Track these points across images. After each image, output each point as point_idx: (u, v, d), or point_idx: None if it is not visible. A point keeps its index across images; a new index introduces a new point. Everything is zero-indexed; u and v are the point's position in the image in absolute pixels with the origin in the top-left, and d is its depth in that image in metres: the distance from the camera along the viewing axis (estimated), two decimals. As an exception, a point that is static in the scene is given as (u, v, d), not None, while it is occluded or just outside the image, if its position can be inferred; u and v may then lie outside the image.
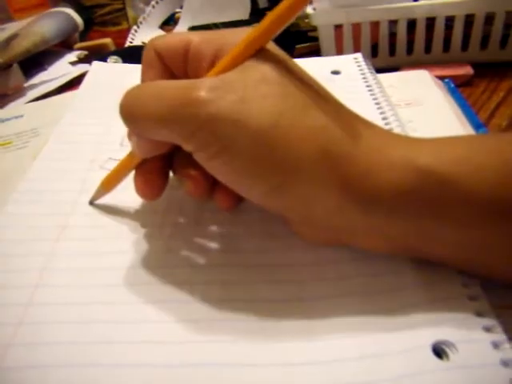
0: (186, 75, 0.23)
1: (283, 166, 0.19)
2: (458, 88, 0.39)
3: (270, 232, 0.24)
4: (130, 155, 0.24)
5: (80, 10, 0.55)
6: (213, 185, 0.23)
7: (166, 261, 0.23)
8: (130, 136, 0.22)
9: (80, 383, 0.18)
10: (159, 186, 0.24)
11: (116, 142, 0.31)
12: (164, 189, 0.24)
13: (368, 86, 0.36)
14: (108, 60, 0.45)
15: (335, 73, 0.38)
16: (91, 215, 0.26)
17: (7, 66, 0.44)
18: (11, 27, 0.51)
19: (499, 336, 0.19)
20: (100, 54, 0.48)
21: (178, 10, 0.62)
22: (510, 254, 0.19)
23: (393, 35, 0.43)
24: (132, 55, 0.45)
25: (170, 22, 0.62)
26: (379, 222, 0.20)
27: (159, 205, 0.26)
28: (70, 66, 0.49)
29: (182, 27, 0.57)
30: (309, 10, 0.44)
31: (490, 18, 0.41)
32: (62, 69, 0.49)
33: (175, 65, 0.23)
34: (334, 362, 0.19)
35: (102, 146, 0.31)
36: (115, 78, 0.39)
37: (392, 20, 0.42)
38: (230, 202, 0.23)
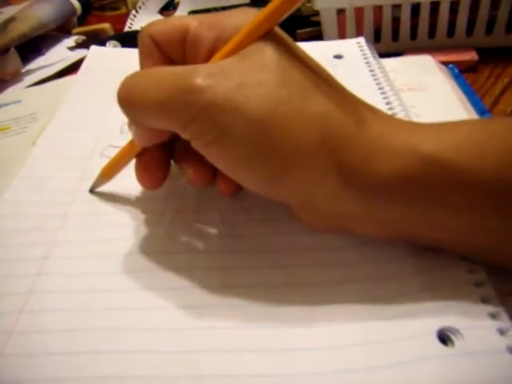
0: (184, 62, 0.23)
1: (281, 155, 0.19)
2: (463, 74, 0.38)
3: (272, 217, 0.24)
4: (131, 143, 0.23)
5: (78, -6, 0.54)
6: (214, 173, 0.22)
7: (166, 247, 0.23)
8: (129, 125, 0.22)
9: (81, 370, 0.18)
10: (161, 176, 0.23)
11: (116, 129, 0.31)
12: (166, 178, 0.24)
13: (371, 71, 0.36)
14: (107, 45, 0.44)
15: (338, 57, 0.38)
16: (92, 203, 0.26)
17: (4, 51, 0.44)
18: (8, 11, 0.50)
19: (505, 323, 0.18)
20: (98, 39, 0.47)
21: (177, -6, 0.61)
22: None
23: (396, 20, 0.42)
24: (131, 40, 0.44)
25: (169, 7, 0.61)
26: (380, 208, 0.19)
27: (160, 192, 0.25)
28: (68, 51, 0.48)
29: (181, 12, 0.56)
30: (311, -7, 0.43)
31: (495, 2, 0.40)
32: (60, 54, 0.48)
33: (173, 52, 0.23)
34: (337, 349, 0.19)
35: (101, 132, 0.31)
36: (114, 63, 0.38)
37: (395, 4, 0.41)
38: (230, 189, 0.23)
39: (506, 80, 0.39)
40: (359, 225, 0.21)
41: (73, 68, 0.45)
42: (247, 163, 0.19)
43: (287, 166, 0.19)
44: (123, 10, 0.62)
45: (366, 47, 0.38)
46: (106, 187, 0.26)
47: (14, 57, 0.44)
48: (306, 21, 0.50)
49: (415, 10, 0.42)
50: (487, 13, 0.41)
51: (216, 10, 0.51)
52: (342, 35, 0.44)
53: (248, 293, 0.21)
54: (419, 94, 0.35)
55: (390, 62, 0.38)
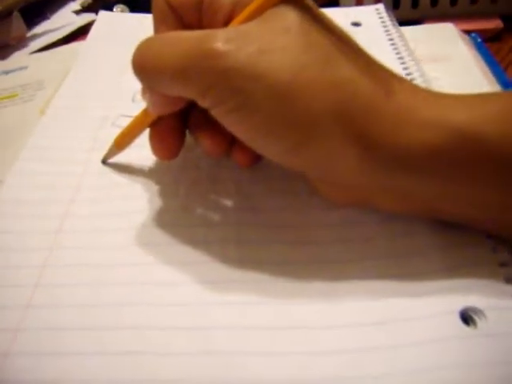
0: (201, 28, 0.22)
1: (303, 122, 0.18)
2: (486, 43, 0.36)
3: (290, 190, 0.24)
4: (144, 112, 0.22)
5: (82, -47, 0.52)
6: (230, 143, 0.22)
7: (182, 220, 0.23)
8: (143, 92, 0.21)
9: (95, 345, 0.18)
10: (176, 146, 0.23)
11: (127, 98, 0.30)
12: (181, 148, 0.23)
13: (390, 40, 0.34)
14: (114, 9, 0.43)
15: (355, 24, 0.36)
16: (104, 174, 0.25)
17: (7, 14, 0.42)
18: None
19: (530, 305, 0.18)
20: (105, 2, 0.45)
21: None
22: None
23: (416, -16, 0.41)
24: (139, 4, 0.43)
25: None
26: (404, 182, 0.19)
27: (174, 163, 0.25)
28: (73, 14, 0.46)
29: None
30: (327, -45, 0.41)
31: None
32: (66, 18, 0.46)
33: (189, 16, 0.22)
34: (358, 327, 0.18)
35: (112, 101, 0.30)
36: (124, 29, 0.37)
37: (416, -32, 0.40)
38: (248, 159, 0.22)
39: (531, 50, 0.38)
40: (381, 199, 0.20)
41: (79, 33, 0.44)
42: (268, 131, 0.19)
43: (309, 134, 0.18)
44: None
45: (385, 14, 0.37)
46: (118, 158, 0.26)
47: (17, 20, 0.43)
48: (320, -15, 0.48)
49: (437, -26, 0.40)
50: (513, -22, 0.39)
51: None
52: (359, 1, 0.42)
53: (265, 268, 0.20)
54: (440, 64, 0.34)
55: (409, 31, 0.36)
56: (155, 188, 0.24)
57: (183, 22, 0.22)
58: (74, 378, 0.17)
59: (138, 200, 0.24)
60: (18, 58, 0.41)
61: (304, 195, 0.23)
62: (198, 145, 0.22)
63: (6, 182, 0.25)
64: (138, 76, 0.20)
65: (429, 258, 0.20)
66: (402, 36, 0.35)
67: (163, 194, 0.24)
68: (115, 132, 0.25)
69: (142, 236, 0.22)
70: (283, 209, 0.23)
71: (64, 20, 0.46)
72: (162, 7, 0.22)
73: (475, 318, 0.18)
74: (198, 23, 0.22)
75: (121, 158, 0.26)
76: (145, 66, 0.19)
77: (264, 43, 0.18)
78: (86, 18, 0.46)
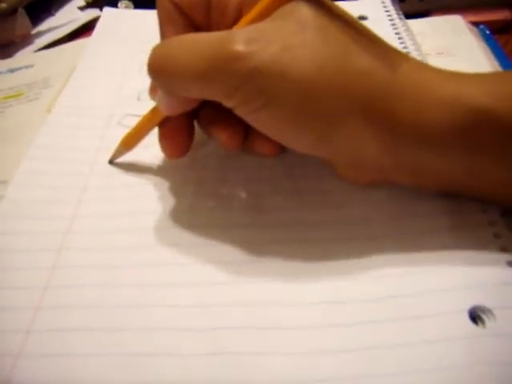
0: (209, 27, 0.22)
1: (330, 114, 0.19)
2: (494, 35, 0.36)
3: (298, 189, 0.24)
4: (153, 112, 0.22)
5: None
6: (246, 133, 0.22)
7: (190, 220, 0.23)
8: (153, 92, 0.21)
9: (104, 346, 0.18)
10: (185, 144, 0.23)
11: (133, 96, 0.30)
12: (190, 145, 0.23)
13: (397, 34, 0.34)
14: (119, 5, 0.43)
15: (362, 18, 0.36)
16: (111, 175, 0.25)
17: (12, 12, 0.42)
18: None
19: (540, 305, 0.18)
20: (110, -2, 0.45)
21: None
22: None
23: (423, -24, 0.40)
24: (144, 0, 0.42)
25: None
26: (430, 160, 0.19)
27: (182, 162, 0.25)
28: (78, 10, 0.46)
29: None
30: None
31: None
32: (71, 14, 0.46)
33: (196, 16, 0.22)
34: (365, 324, 0.18)
35: (118, 100, 0.30)
36: (130, 27, 0.36)
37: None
38: (273, 149, 0.22)
39: (541, 42, 0.37)
40: (406, 177, 0.21)
41: (85, 29, 0.43)
42: (296, 126, 0.19)
43: (336, 125, 0.19)
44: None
45: (391, 7, 0.36)
46: (125, 158, 0.26)
47: (22, 18, 0.43)
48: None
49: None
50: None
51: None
52: (364, -6, 0.42)
53: (275, 269, 0.20)
54: (448, 58, 0.33)
55: (416, 24, 0.36)
56: (163, 188, 0.24)
57: (190, 21, 0.22)
58: (83, 377, 0.17)
59: (146, 200, 0.24)
60: (23, 56, 0.41)
61: (311, 193, 0.23)
62: (214, 140, 0.23)
63: (12, 181, 0.25)
64: (156, 80, 0.20)
65: (440, 235, 0.20)
66: (408, 29, 0.34)
67: (171, 194, 0.24)
68: (122, 131, 0.25)
69: (150, 237, 0.22)
70: (290, 208, 0.23)
71: (69, 16, 0.46)
72: (168, 7, 0.21)
73: (484, 317, 0.18)
74: (206, 22, 0.22)
75: (128, 157, 0.26)
76: (163, 69, 0.19)
77: (284, 41, 0.18)
78: (91, 14, 0.45)
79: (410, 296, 0.19)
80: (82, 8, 0.47)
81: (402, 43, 0.33)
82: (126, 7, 0.43)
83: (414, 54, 0.31)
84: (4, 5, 0.41)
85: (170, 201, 0.24)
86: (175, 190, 0.24)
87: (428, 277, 0.19)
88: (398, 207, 0.22)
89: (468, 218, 0.21)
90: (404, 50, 0.32)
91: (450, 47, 0.34)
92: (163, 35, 0.22)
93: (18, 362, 0.18)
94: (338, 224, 0.22)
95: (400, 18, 0.35)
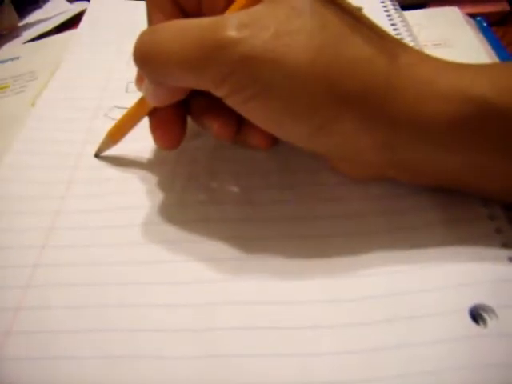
0: (199, 13, 0.21)
1: (325, 104, 0.18)
2: (492, 27, 0.35)
3: (291, 182, 0.23)
4: (140, 103, 0.22)
5: None
6: (239, 123, 0.21)
7: (180, 216, 0.22)
8: (139, 83, 0.20)
9: (90, 348, 0.17)
10: (178, 134, 0.22)
11: (121, 88, 0.29)
12: (184, 135, 0.22)
13: (393, 25, 0.33)
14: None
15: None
16: (97, 169, 0.24)
17: (-1, 3, 0.41)
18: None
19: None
20: (99, -11, 0.44)
21: None
22: None
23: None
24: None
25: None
26: (429, 155, 0.19)
27: (170, 155, 0.24)
28: (67, 3, 0.45)
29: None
30: None
31: None
32: (59, 6, 0.45)
33: (186, 1, 0.21)
34: (363, 325, 0.17)
35: (105, 92, 0.29)
36: (118, 16, 0.35)
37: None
38: (266, 141, 0.21)
39: (539, 34, 0.36)
40: (403, 173, 0.20)
41: (73, 22, 0.42)
42: (289, 116, 0.18)
43: (332, 115, 0.18)
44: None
45: (387, -2, 0.36)
46: (112, 151, 0.25)
47: (9, 10, 0.42)
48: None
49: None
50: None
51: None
52: (360, -15, 0.41)
53: (267, 265, 0.19)
54: (444, 50, 0.33)
55: (413, 15, 0.35)
56: (151, 182, 0.23)
57: (180, 8, 0.21)
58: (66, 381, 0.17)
59: (133, 195, 0.23)
60: (9, 48, 0.40)
61: (302, 187, 0.22)
62: (206, 130, 0.22)
63: (-4, 176, 0.24)
64: (141, 69, 0.19)
65: (433, 230, 0.20)
66: (404, 21, 0.33)
67: (159, 188, 0.23)
68: (108, 124, 0.24)
69: (137, 233, 0.21)
70: (280, 201, 0.22)
71: (57, 8, 0.45)
72: None
73: (485, 316, 0.17)
74: (196, 9, 0.21)
75: (115, 151, 0.25)
76: (150, 58, 0.18)
77: (278, 27, 0.17)
78: (80, 5, 0.44)
79: (408, 294, 0.18)
80: (70, 0, 0.46)
81: (398, 34, 0.32)
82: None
83: (411, 46, 0.31)
84: (-10, -4, 0.40)
85: (159, 195, 0.23)
86: (164, 185, 0.23)
87: (427, 274, 0.19)
88: (395, 202, 0.21)
89: (468, 212, 0.20)
90: (400, 42, 0.31)
91: (447, 38, 0.33)
92: (151, 23, 0.21)
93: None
94: (332, 219, 0.21)
95: (396, 10, 0.35)
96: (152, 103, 0.21)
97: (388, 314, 0.18)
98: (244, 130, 0.21)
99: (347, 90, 0.17)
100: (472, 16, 0.36)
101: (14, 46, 0.40)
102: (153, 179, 0.23)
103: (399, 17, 0.34)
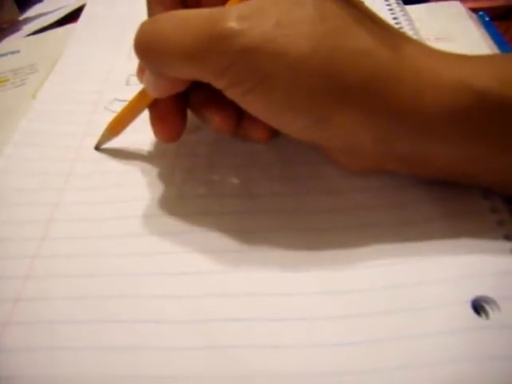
0: (200, 5, 0.21)
1: (326, 96, 0.17)
2: (494, 21, 0.35)
3: (291, 175, 0.23)
4: (141, 95, 0.21)
5: None
6: (240, 116, 0.21)
7: (179, 208, 0.22)
8: (140, 74, 0.20)
9: (90, 339, 0.17)
10: (179, 126, 0.22)
11: (121, 81, 0.29)
12: (184, 127, 0.22)
13: (395, 19, 0.33)
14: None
15: (359, 4, 0.35)
16: (97, 161, 0.24)
17: (-1, -3, 0.41)
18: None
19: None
20: (99, -16, 0.44)
21: None
22: None
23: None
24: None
25: None
26: (430, 148, 0.18)
27: (170, 148, 0.24)
28: (67, -3, 0.45)
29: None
30: None
31: None
32: (60, 0, 0.45)
33: None
34: (363, 317, 0.17)
35: (105, 85, 0.29)
36: (118, 10, 0.35)
37: None
38: (266, 134, 0.21)
39: (542, 29, 0.36)
40: (404, 165, 0.20)
41: (74, 16, 0.42)
42: (290, 108, 0.18)
43: (334, 107, 0.18)
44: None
45: (389, -8, 0.35)
46: (112, 144, 0.25)
47: (10, 3, 0.42)
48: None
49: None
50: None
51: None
52: (362, -21, 0.41)
53: (267, 257, 0.19)
54: (446, 44, 0.32)
55: (414, 10, 0.35)
56: (151, 175, 0.23)
57: (180, 1, 0.21)
58: (66, 372, 0.17)
59: (133, 187, 0.23)
60: (10, 41, 0.40)
61: (303, 180, 0.22)
62: (206, 123, 0.22)
63: (-4, 168, 0.24)
64: (142, 59, 0.19)
65: (432, 223, 0.20)
66: (406, 15, 0.33)
67: (159, 181, 0.23)
68: (108, 117, 0.24)
69: (137, 225, 0.21)
70: (281, 194, 0.22)
71: (57, 3, 0.45)
72: None
73: (487, 308, 0.17)
74: (196, 0, 0.21)
75: (115, 143, 0.25)
76: (151, 48, 0.18)
77: (279, 18, 0.17)
78: (80, 0, 0.44)
79: (409, 286, 0.18)
80: (71, -6, 0.45)
81: (400, 28, 0.32)
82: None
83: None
84: (-10, -10, 0.40)
85: (159, 188, 0.23)
86: (164, 177, 0.23)
87: (429, 266, 0.18)
88: (396, 194, 0.21)
89: (469, 205, 0.20)
90: (402, 36, 0.31)
91: (449, 33, 0.33)
92: (151, 15, 0.21)
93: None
94: (332, 211, 0.21)
95: (398, 4, 0.34)
96: (153, 94, 0.20)
97: (388, 306, 0.18)
98: (244, 124, 0.21)
99: (349, 81, 0.17)
100: (474, 10, 0.36)
101: (14, 40, 0.40)
102: (153, 172, 0.23)
103: (401, 11, 0.34)
